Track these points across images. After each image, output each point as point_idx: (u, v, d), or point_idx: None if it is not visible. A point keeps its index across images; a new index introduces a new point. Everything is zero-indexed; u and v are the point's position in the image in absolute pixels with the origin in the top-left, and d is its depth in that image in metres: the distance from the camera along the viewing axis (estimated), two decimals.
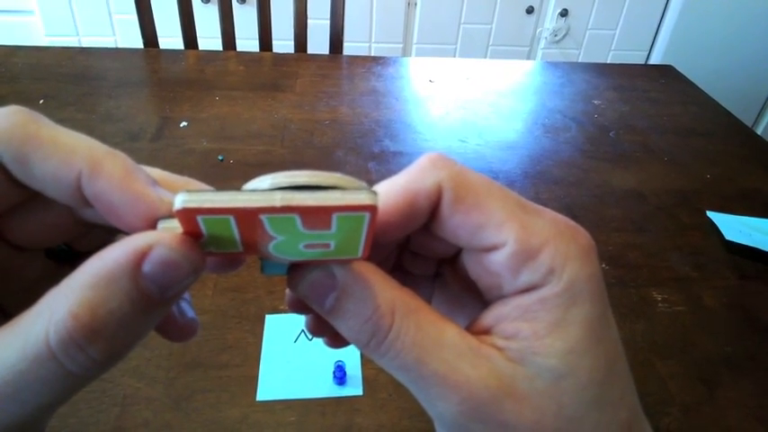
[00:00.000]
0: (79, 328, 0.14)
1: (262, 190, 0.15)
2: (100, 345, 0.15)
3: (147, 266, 0.15)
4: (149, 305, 0.15)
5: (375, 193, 0.15)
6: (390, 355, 0.17)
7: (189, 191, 0.15)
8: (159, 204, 0.16)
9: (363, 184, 0.16)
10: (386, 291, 0.17)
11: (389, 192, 0.18)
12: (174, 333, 0.19)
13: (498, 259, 0.18)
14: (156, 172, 0.18)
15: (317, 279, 0.17)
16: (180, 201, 0.14)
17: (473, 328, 0.19)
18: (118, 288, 0.15)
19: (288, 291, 0.19)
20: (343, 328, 0.18)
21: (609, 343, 0.18)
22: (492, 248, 0.18)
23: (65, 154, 0.16)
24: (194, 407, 0.46)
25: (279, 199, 0.14)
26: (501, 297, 0.18)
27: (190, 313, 0.20)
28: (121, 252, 0.15)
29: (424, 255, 0.22)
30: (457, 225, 0.18)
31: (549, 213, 0.18)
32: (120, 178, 0.16)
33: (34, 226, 0.19)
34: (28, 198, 0.18)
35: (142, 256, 0.15)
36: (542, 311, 0.17)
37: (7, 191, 0.17)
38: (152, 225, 0.16)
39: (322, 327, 0.20)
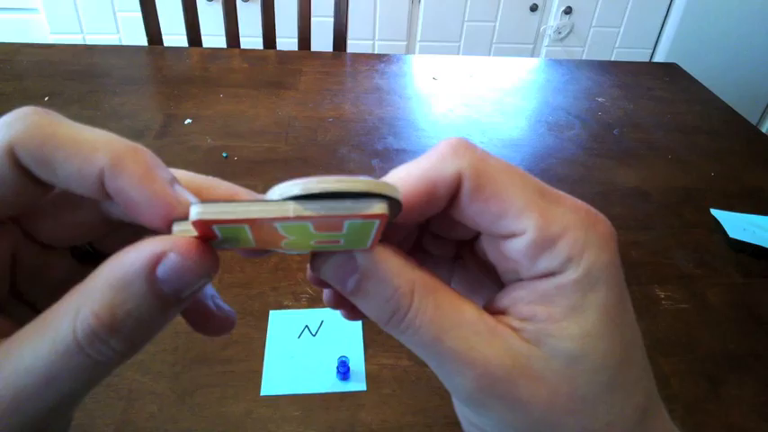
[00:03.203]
0: (101, 326, 0.15)
1: (277, 200, 0.15)
2: (121, 339, 0.16)
3: (161, 271, 0.16)
4: (165, 305, 0.16)
5: (386, 203, 0.15)
6: (409, 332, 0.18)
7: (203, 202, 0.15)
8: (176, 205, 0.16)
9: (389, 187, 0.16)
10: (405, 272, 0.18)
11: (409, 177, 0.18)
12: (213, 328, 0.20)
13: (517, 246, 0.18)
14: (181, 173, 0.19)
15: (338, 262, 0.18)
16: (195, 213, 0.15)
17: (490, 308, 0.19)
18: (134, 290, 0.15)
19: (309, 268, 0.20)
20: (364, 307, 0.18)
21: (626, 328, 0.18)
22: (511, 236, 0.18)
23: (86, 151, 0.16)
24: (199, 401, 0.46)
25: (292, 210, 0.15)
26: (518, 280, 0.19)
27: (225, 307, 0.21)
28: (137, 256, 0.15)
29: (444, 237, 0.22)
30: (476, 213, 0.18)
31: (570, 200, 0.18)
32: (141, 176, 0.16)
33: (62, 224, 0.19)
34: (53, 195, 0.18)
35: (156, 260, 0.15)
36: (559, 297, 0.17)
37: (30, 191, 0.17)
38: (169, 224, 0.16)
39: (340, 300, 0.21)
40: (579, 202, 0.18)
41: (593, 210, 0.18)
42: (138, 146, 0.17)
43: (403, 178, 0.18)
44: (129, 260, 0.16)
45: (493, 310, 0.19)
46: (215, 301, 0.20)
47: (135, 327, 0.16)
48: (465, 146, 0.18)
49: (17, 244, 0.19)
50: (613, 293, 0.17)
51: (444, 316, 0.17)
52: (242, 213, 0.15)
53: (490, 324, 0.18)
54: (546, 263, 0.17)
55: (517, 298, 0.18)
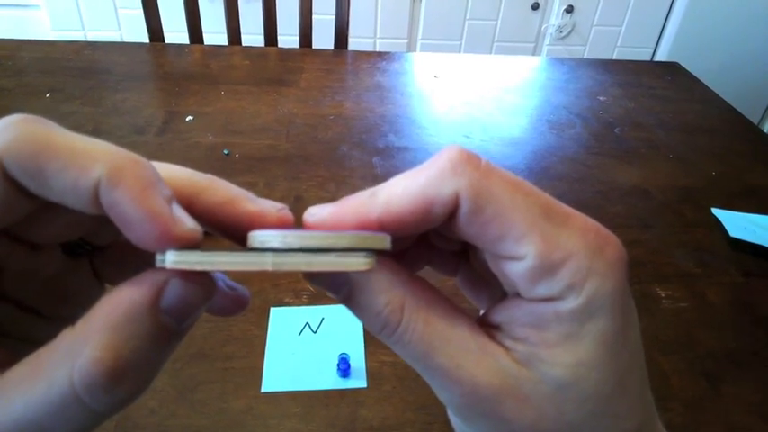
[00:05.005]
0: (104, 371, 0.14)
1: (255, 249, 0.15)
2: (125, 384, 0.15)
3: (164, 302, 0.15)
4: (168, 338, 0.16)
5: (373, 257, 0.15)
6: (399, 345, 0.18)
7: (179, 250, 0.15)
8: (172, 227, 0.16)
9: (377, 239, 0.15)
10: (396, 287, 0.18)
11: (405, 194, 0.17)
12: (230, 308, 0.20)
13: (516, 269, 0.17)
14: (180, 171, 0.18)
15: (329, 274, 0.18)
16: (170, 261, 0.15)
17: (485, 321, 0.19)
18: (139, 326, 0.15)
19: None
20: (357, 316, 0.19)
21: (623, 356, 0.17)
22: (510, 258, 0.17)
23: (83, 161, 0.15)
24: (199, 398, 0.47)
25: (270, 263, 0.15)
26: (517, 294, 0.18)
27: (237, 286, 0.20)
28: (138, 291, 0.15)
29: (448, 237, 0.22)
30: (474, 234, 0.17)
31: (579, 221, 0.17)
32: (138, 191, 0.15)
33: (52, 226, 0.18)
34: (43, 204, 0.17)
35: (159, 291, 0.15)
36: (555, 323, 0.17)
37: (20, 204, 0.16)
38: (161, 246, 0.16)
39: None
40: (590, 222, 0.17)
41: (603, 231, 0.17)
42: (139, 158, 0.16)
43: (399, 194, 0.17)
44: (129, 296, 0.15)
45: (488, 323, 0.19)
46: (226, 282, 0.20)
47: (140, 367, 0.15)
48: (466, 161, 0.17)
49: (4, 250, 0.18)
50: (614, 322, 0.17)
51: (434, 333, 0.17)
52: (219, 265, 0.15)
53: (481, 342, 0.18)
54: (545, 289, 0.17)
55: (512, 317, 0.18)
